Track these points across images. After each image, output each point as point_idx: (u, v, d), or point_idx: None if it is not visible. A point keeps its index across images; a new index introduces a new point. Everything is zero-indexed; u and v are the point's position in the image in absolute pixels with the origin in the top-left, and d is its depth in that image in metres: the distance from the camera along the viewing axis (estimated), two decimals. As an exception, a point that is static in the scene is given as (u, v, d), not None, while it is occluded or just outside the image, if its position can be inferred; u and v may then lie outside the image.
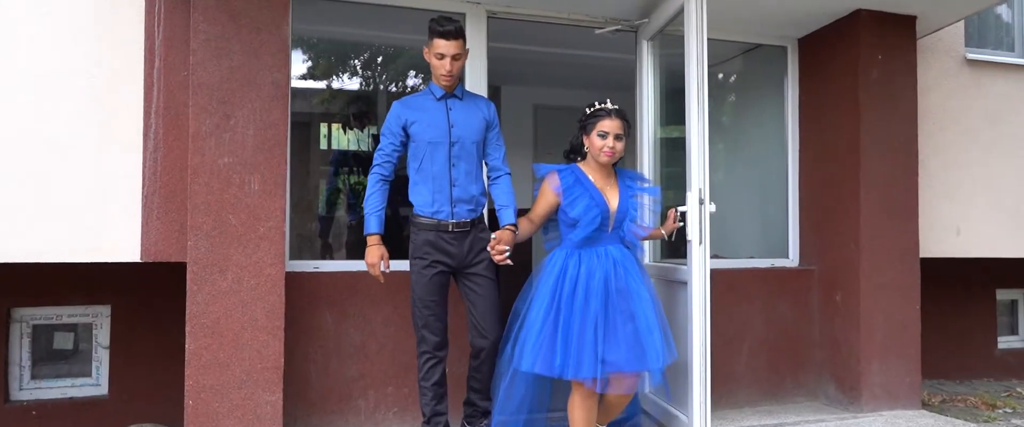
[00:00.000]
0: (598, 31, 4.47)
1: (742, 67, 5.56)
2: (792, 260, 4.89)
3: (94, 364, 4.61)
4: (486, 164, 3.53)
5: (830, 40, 4.67)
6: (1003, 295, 6.52)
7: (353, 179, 5.88)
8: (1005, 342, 6.52)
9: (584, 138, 3.37)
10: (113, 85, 3.63)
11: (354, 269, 3.94)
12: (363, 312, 3.90)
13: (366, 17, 4.85)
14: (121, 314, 4.61)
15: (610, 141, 3.28)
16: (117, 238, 3.62)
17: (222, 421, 3.36)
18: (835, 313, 4.61)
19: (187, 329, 3.34)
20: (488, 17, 4.27)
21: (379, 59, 7.21)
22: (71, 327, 4.61)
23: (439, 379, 3.42)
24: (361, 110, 6.91)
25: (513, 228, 3.35)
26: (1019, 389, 5.99)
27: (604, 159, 3.30)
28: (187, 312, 3.35)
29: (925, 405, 4.93)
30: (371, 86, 7.23)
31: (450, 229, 3.33)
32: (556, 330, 3.15)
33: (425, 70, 7.10)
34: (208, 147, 3.39)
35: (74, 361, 4.60)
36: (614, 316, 3.18)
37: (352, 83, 7.21)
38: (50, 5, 3.59)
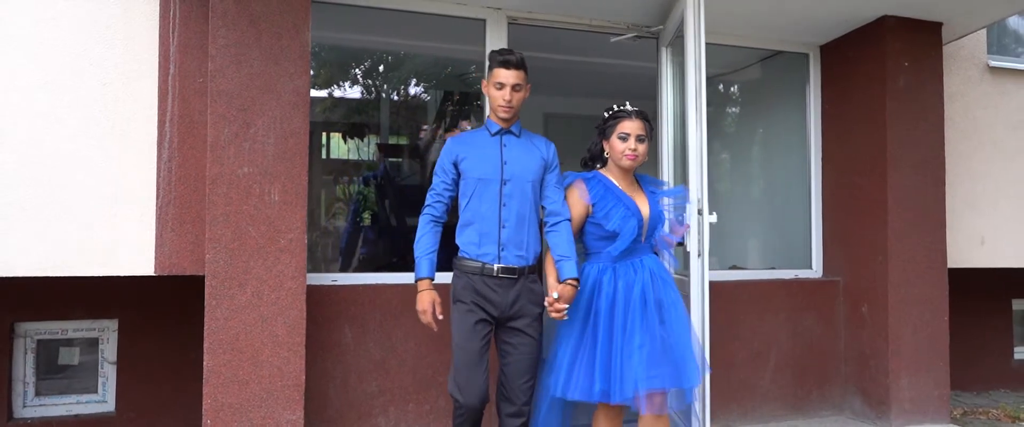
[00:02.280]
0: (614, 39, 4.38)
1: (763, 74, 5.47)
2: (816, 271, 4.80)
3: (100, 380, 4.47)
4: (544, 208, 3.19)
5: (854, 47, 4.59)
6: (1019, 305, 6.44)
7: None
8: (1021, 352, 6.44)
9: (604, 143, 3.20)
10: (126, 92, 3.51)
11: (374, 282, 3.83)
12: (383, 326, 3.79)
13: (379, 23, 4.75)
14: (129, 328, 4.47)
15: (631, 143, 3.09)
16: (130, 251, 3.49)
17: (241, 441, 3.23)
18: (862, 326, 4.52)
19: (205, 345, 3.21)
20: (508, 23, 4.17)
21: (380, 67, 7.12)
22: (77, 342, 4.47)
23: None
24: (362, 121, 6.83)
25: (575, 282, 3.02)
26: (1039, 401, 5.91)
27: (626, 163, 3.11)
28: (206, 327, 3.22)
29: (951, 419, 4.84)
30: (373, 94, 7.14)
31: (495, 274, 3.03)
32: (594, 353, 2.98)
33: (428, 77, 7.07)
34: (227, 156, 3.27)
35: (80, 377, 4.46)
36: (653, 331, 2.98)
37: (354, 92, 7.12)
38: (60, 11, 3.47)
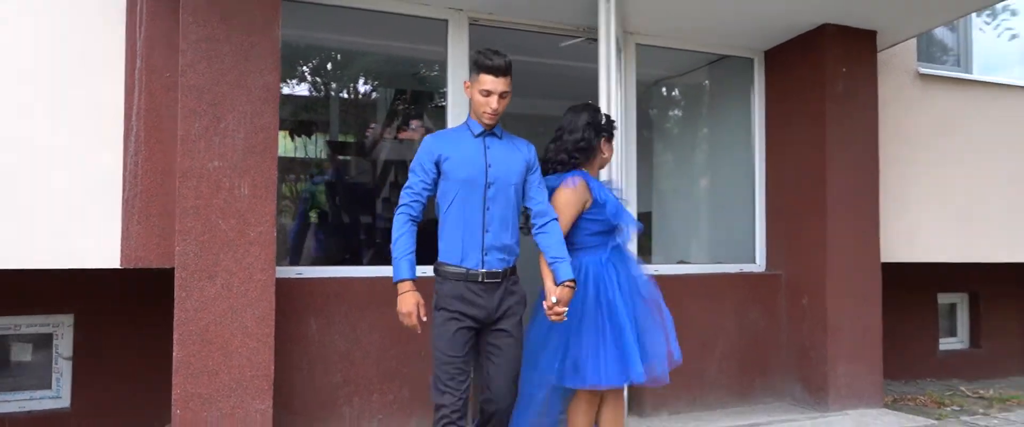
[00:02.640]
0: (563, 43, 4.55)
1: (710, 77, 5.70)
2: (759, 265, 5.05)
3: (55, 376, 4.43)
4: (530, 210, 3.17)
5: (796, 53, 4.85)
6: (944, 299, 6.83)
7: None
8: (945, 344, 6.83)
9: (602, 144, 3.39)
10: (92, 86, 3.52)
11: (339, 275, 3.91)
12: (348, 319, 3.87)
13: (340, 21, 4.81)
14: (84, 324, 4.43)
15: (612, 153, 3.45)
16: (96, 244, 3.50)
17: (211, 430, 3.28)
18: (802, 317, 4.78)
19: (175, 336, 3.26)
20: (470, 24, 4.29)
21: (329, 65, 7.14)
22: (30, 337, 4.42)
23: None
24: (310, 119, 6.85)
25: (573, 284, 3.05)
26: (962, 388, 6.29)
27: (602, 167, 3.44)
28: (175, 319, 3.26)
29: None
30: (322, 92, 7.16)
31: (480, 279, 2.98)
32: (623, 340, 3.14)
33: (380, 76, 7.13)
34: (198, 150, 3.31)
35: (33, 373, 4.41)
36: (632, 323, 3.18)
37: (301, 89, 7.13)
38: (25, 4, 3.46)
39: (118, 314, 4.40)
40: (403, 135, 7.34)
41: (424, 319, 2.95)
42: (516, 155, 3.10)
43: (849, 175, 4.67)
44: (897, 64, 5.36)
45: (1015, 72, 6.25)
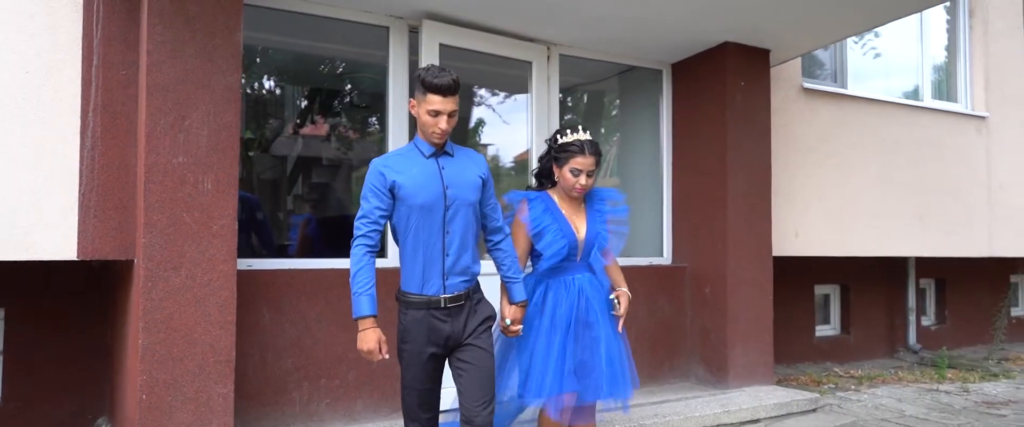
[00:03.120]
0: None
1: (621, 86, 6.18)
2: (666, 258, 5.55)
3: (-14, 369, 4.41)
4: (486, 227, 3.09)
5: (701, 67, 5.38)
6: (820, 290, 7.59)
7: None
8: (821, 331, 7.59)
9: (554, 167, 3.32)
10: (49, 82, 3.59)
11: (288, 267, 4.11)
12: (298, 308, 4.08)
13: (281, 24, 4.98)
14: (16, 318, 4.43)
15: (582, 179, 3.22)
16: (52, 237, 3.57)
17: (175, 414, 3.44)
18: (705, 304, 5.31)
19: (140, 325, 3.39)
20: (409, 31, 4.56)
21: (256, 60, 7.20)
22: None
23: None
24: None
25: (525, 304, 3.13)
26: (835, 369, 7.04)
27: (574, 195, 3.27)
28: (140, 308, 3.40)
29: (772, 383, 5.75)
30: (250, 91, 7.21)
31: (443, 304, 2.88)
32: (519, 356, 3.23)
33: (289, 77, 7.24)
34: (163, 146, 3.46)
35: (-38, 367, 4.38)
36: (577, 347, 3.20)
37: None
38: (-21, -3, 3.51)
39: (51, 309, 4.41)
40: (307, 131, 7.48)
41: (386, 357, 2.86)
42: (471, 171, 2.97)
43: (746, 177, 5.23)
44: (785, 78, 5.99)
45: (879, 85, 7.07)
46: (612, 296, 3.34)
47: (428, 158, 2.92)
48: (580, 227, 3.29)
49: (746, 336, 5.20)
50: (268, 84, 7.35)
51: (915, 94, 7.28)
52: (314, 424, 4.08)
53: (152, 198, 3.44)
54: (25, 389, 4.38)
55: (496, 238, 3.13)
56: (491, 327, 3.04)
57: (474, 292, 3.00)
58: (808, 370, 6.91)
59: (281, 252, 6.20)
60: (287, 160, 7.61)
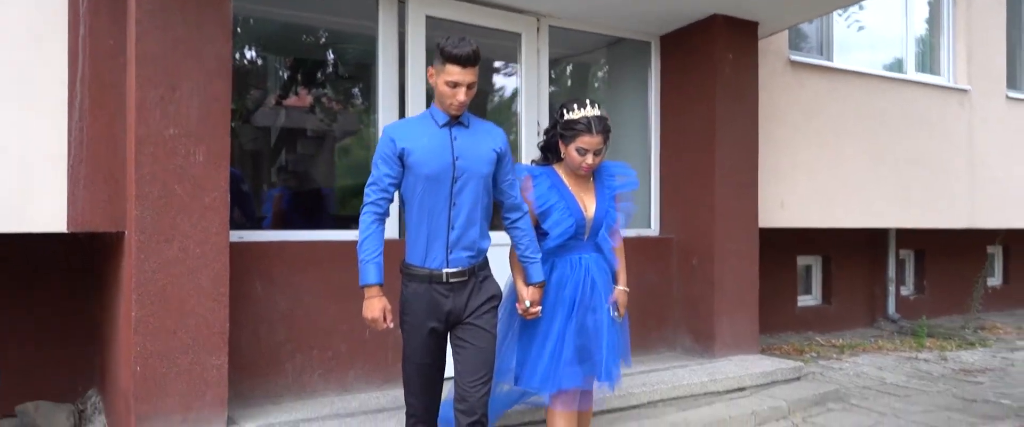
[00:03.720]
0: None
1: (609, 58, 6.17)
2: (654, 230, 5.59)
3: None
4: (501, 203, 3.02)
5: (690, 39, 5.38)
6: (802, 261, 7.69)
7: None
8: (802, 301, 7.71)
9: (560, 143, 3.15)
10: (35, 53, 3.53)
11: (279, 238, 4.11)
12: (290, 280, 4.08)
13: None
14: (4, 289, 4.40)
15: (589, 159, 3.07)
16: (41, 209, 3.54)
17: (170, 385, 3.45)
18: (692, 275, 5.36)
19: (133, 297, 3.39)
20: (399, 1, 4.53)
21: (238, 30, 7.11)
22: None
23: None
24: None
25: (543, 285, 3.06)
26: (817, 339, 7.17)
27: (581, 173, 3.15)
28: (133, 280, 3.39)
29: (756, 352, 5.84)
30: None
31: (445, 279, 2.84)
32: (518, 337, 3.17)
33: (273, 47, 7.16)
34: (154, 118, 3.43)
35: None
36: (579, 332, 3.11)
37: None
38: (-38, -35, 3.44)
39: (35, 281, 4.38)
40: (290, 103, 7.43)
41: (390, 326, 2.84)
42: (485, 144, 2.90)
43: (734, 150, 5.26)
44: (773, 51, 6.01)
45: (864, 57, 7.11)
46: (611, 300, 3.22)
47: (441, 127, 2.87)
48: (588, 205, 3.16)
49: (732, 307, 5.26)
50: (250, 54, 7.28)
51: (899, 66, 7.33)
52: (307, 395, 4.11)
53: (143, 170, 3.41)
54: (13, 362, 4.36)
55: (514, 216, 3.05)
56: (496, 306, 2.98)
57: (480, 269, 2.93)
58: (790, 340, 7.03)
59: (257, 225, 6.18)
60: (270, 132, 7.56)
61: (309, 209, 6.89)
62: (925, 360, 6.49)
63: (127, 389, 3.47)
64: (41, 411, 4.10)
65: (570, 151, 3.11)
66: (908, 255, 8.54)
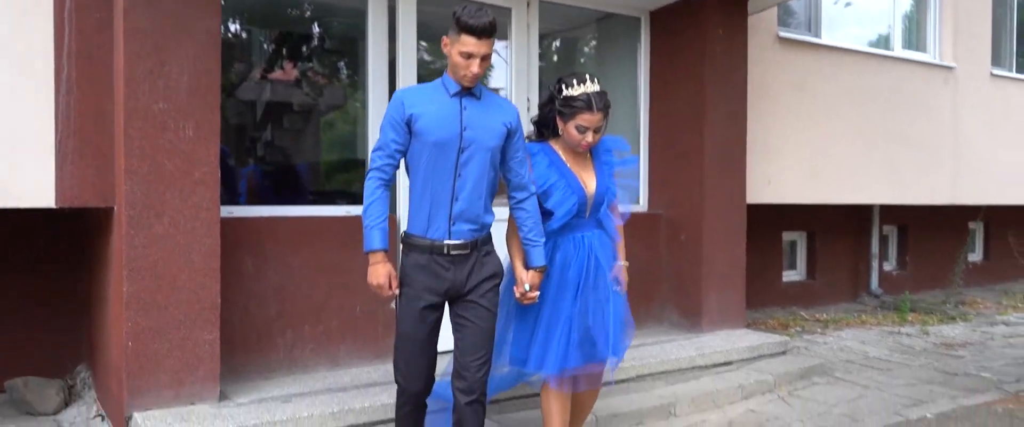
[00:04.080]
0: None
1: (598, 33, 6.15)
2: (643, 206, 5.62)
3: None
4: (508, 181, 2.97)
5: (679, 14, 5.37)
6: (787, 237, 7.75)
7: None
8: (787, 276, 7.78)
9: (557, 120, 3.06)
10: (21, 25, 3.47)
11: (270, 214, 4.10)
12: (280, 255, 4.08)
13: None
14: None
15: (589, 136, 3.00)
16: (29, 184, 3.50)
17: (162, 361, 3.45)
18: (680, 251, 5.40)
19: (124, 273, 3.37)
20: (389, -25, 4.49)
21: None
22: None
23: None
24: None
25: (544, 270, 2.99)
26: (801, 314, 7.25)
27: (580, 150, 3.09)
28: (124, 256, 3.37)
29: (742, 327, 5.90)
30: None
31: (446, 251, 2.79)
32: (521, 319, 3.11)
33: (257, 20, 7.07)
34: (142, 92, 3.40)
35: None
36: (585, 313, 3.05)
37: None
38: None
39: (22, 256, 4.36)
40: (276, 77, 7.36)
41: (396, 292, 2.81)
42: (496, 117, 2.86)
43: (723, 126, 5.29)
44: (762, 28, 6.01)
45: (851, 33, 7.14)
46: (613, 275, 3.19)
47: (451, 96, 2.83)
48: (588, 181, 3.10)
49: (720, 282, 5.31)
50: (234, 27, 7.19)
51: (886, 43, 7.35)
52: (298, 369, 4.12)
53: (133, 144, 3.39)
54: (1, 338, 4.34)
55: (520, 195, 2.99)
56: (498, 285, 2.95)
57: (483, 243, 2.89)
58: (775, 314, 7.10)
59: (233, 201, 6.16)
60: (256, 106, 7.49)
61: (293, 184, 6.86)
62: (907, 334, 6.59)
63: (119, 365, 3.47)
64: (30, 387, 4.09)
65: (569, 129, 3.02)
66: (891, 231, 8.63)
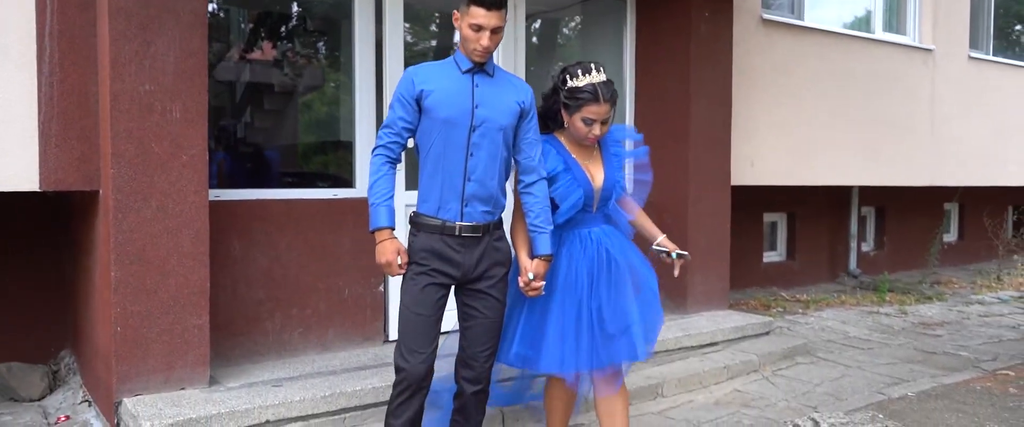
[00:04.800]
0: None
1: (584, 14, 6.13)
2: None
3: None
4: (517, 163, 2.88)
5: (666, -4, 5.37)
6: (768, 218, 7.83)
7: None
8: (768, 257, 7.86)
9: (563, 113, 2.90)
10: (0, 6, 3.40)
11: (257, 197, 4.07)
12: (269, 238, 4.05)
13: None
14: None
15: (596, 129, 2.84)
16: (12, 168, 3.44)
17: (151, 345, 3.42)
18: (665, 233, 5.40)
19: (112, 257, 3.33)
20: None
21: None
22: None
23: (413, 416, 2.80)
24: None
25: (550, 259, 2.83)
26: (782, 294, 7.34)
27: (587, 144, 2.93)
28: (111, 241, 3.33)
29: (726, 308, 5.96)
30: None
31: (457, 233, 2.73)
32: (527, 319, 2.94)
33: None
34: (128, 73, 3.34)
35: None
36: (602, 310, 2.88)
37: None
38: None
39: (5, 241, 4.29)
40: (255, 57, 7.27)
41: (404, 270, 2.74)
42: (509, 96, 2.79)
43: (708, 109, 5.31)
44: (747, 9, 6.02)
45: (833, 13, 7.18)
46: (660, 241, 3.07)
47: (463, 73, 2.77)
48: (595, 174, 2.95)
49: (705, 263, 5.35)
50: (212, 6, 7.09)
51: (867, 24, 7.40)
52: (287, 353, 4.11)
53: (119, 127, 3.33)
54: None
55: (530, 178, 2.87)
56: (507, 274, 2.88)
57: (495, 228, 2.82)
58: (757, 295, 7.18)
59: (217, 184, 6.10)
60: (235, 87, 7.41)
61: (280, 167, 6.81)
62: (886, 314, 6.70)
63: (107, 350, 3.44)
64: (14, 372, 4.05)
65: (575, 121, 2.85)
66: (869, 212, 8.74)
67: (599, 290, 2.90)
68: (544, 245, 2.82)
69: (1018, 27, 10.00)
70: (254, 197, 4.05)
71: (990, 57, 8.52)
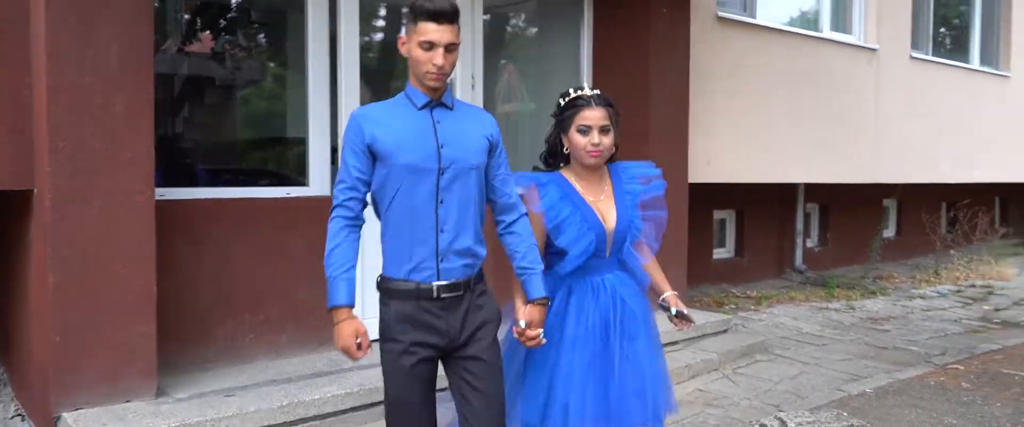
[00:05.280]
0: None
1: (540, 9, 6.04)
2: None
3: None
4: (494, 202, 2.48)
5: (623, -8, 5.32)
6: (718, 214, 7.87)
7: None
8: (717, 254, 7.91)
9: (563, 137, 2.61)
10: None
11: (204, 196, 3.87)
12: (216, 241, 3.85)
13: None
14: None
15: (594, 136, 2.53)
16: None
17: (95, 356, 3.20)
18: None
19: (48, 262, 3.11)
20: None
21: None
22: None
23: None
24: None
25: (546, 303, 2.46)
26: (732, 290, 7.39)
27: (590, 161, 2.57)
28: (49, 243, 3.10)
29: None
30: None
31: (435, 295, 2.29)
32: (534, 378, 2.60)
33: None
34: (67, 65, 3.11)
35: None
36: (609, 366, 2.56)
37: None
38: None
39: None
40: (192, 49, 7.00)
41: (367, 353, 2.29)
42: (475, 131, 2.39)
43: (667, 105, 5.28)
44: (703, 7, 6.01)
45: (781, 12, 7.25)
46: (666, 296, 2.78)
47: (420, 109, 2.33)
48: (607, 215, 2.61)
49: (663, 262, 5.21)
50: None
51: (814, 23, 7.50)
52: (239, 360, 3.91)
53: (56, 122, 3.11)
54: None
55: (508, 217, 2.47)
56: (496, 332, 2.47)
57: (476, 282, 2.40)
58: (708, 292, 7.21)
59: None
60: (174, 81, 7.10)
61: (233, 165, 6.54)
62: (835, 310, 6.79)
63: (44, 361, 3.21)
64: (-61, 385, 3.77)
65: (573, 136, 2.56)
66: (813, 209, 8.88)
67: (619, 343, 2.58)
68: (537, 287, 2.43)
69: (953, 28, 10.29)
70: (202, 197, 3.86)
71: (930, 57, 8.73)
